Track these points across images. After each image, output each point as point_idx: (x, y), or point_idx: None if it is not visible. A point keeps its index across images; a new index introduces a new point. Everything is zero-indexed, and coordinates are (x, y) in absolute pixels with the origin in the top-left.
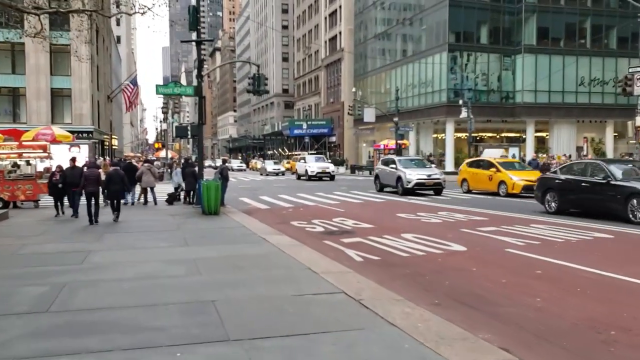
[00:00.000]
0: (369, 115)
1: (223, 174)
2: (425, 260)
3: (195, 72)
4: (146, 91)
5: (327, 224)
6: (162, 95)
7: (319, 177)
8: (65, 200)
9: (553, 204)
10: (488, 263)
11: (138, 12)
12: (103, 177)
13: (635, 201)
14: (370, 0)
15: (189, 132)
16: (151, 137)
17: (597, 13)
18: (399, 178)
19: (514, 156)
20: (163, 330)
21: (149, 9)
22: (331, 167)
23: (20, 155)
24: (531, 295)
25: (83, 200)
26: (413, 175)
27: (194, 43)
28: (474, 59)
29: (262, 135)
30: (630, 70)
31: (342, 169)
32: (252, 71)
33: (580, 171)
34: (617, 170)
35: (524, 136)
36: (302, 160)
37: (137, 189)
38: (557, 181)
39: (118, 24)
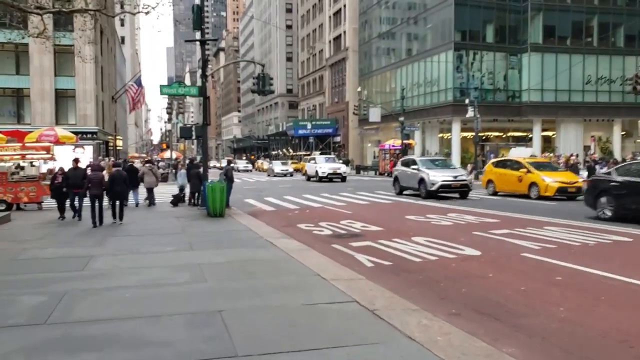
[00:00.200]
0: (375, 115)
1: (228, 175)
2: (439, 266)
3: (199, 72)
4: (150, 92)
5: (335, 227)
6: (166, 96)
7: (329, 178)
8: (68, 202)
9: (607, 210)
10: (504, 268)
11: (142, 12)
12: (106, 178)
13: None
14: None
15: (193, 133)
16: (156, 138)
17: (604, 11)
18: (421, 180)
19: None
20: (168, 345)
21: (152, 8)
22: (343, 168)
23: (23, 156)
24: (553, 304)
25: (86, 202)
26: (438, 176)
27: (198, 42)
28: (479, 57)
29: (266, 135)
30: None
31: (347, 170)
32: (256, 71)
33: None
34: None
35: (530, 135)
36: (312, 161)
37: (143, 190)
38: (613, 184)
39: (122, 24)
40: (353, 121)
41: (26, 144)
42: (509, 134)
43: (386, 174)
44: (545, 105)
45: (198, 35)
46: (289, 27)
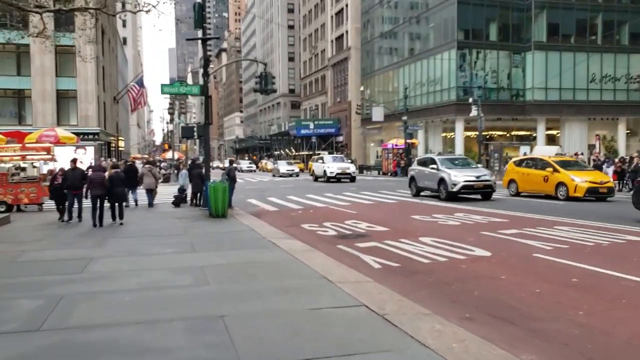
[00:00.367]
0: (377, 114)
1: (230, 175)
2: (449, 267)
3: (201, 71)
4: (153, 92)
5: (340, 227)
6: (168, 96)
7: (338, 178)
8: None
9: None
10: (516, 270)
11: (142, 10)
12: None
13: None
14: None
15: (195, 133)
16: (158, 139)
17: (608, 9)
18: (441, 180)
19: (525, 155)
20: (167, 353)
21: (153, 6)
22: (352, 168)
23: (23, 157)
24: (571, 307)
25: (86, 203)
26: (459, 176)
27: (199, 41)
28: (483, 56)
29: (268, 135)
30: None
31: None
32: (258, 71)
33: None
34: None
35: (534, 134)
36: (320, 161)
37: (143, 190)
38: None
39: (124, 25)
40: (355, 121)
41: (26, 145)
42: (513, 133)
43: (389, 174)
44: (550, 104)
45: (200, 34)
46: (290, 27)
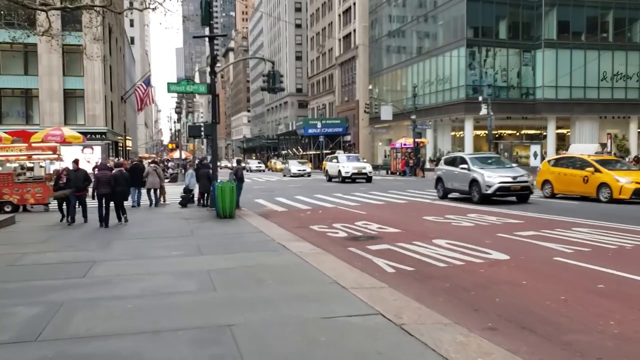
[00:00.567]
0: (386, 113)
1: (238, 175)
2: (466, 272)
3: (208, 70)
4: (160, 92)
5: (350, 228)
6: (175, 95)
7: (353, 178)
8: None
9: None
10: (538, 275)
11: (149, 8)
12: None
13: None
14: None
15: (202, 132)
16: (166, 138)
17: (619, 6)
18: (473, 181)
19: (535, 154)
20: None
21: (160, 4)
22: (368, 168)
23: (29, 157)
24: (602, 316)
25: (90, 204)
26: (494, 177)
27: (207, 40)
28: (492, 54)
29: (276, 135)
30: None
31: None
32: (266, 70)
33: None
34: None
35: (544, 133)
36: (334, 160)
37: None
38: None
39: (132, 24)
40: (364, 120)
41: (32, 144)
42: (523, 131)
43: (398, 173)
44: (560, 102)
45: (207, 31)
46: (298, 26)
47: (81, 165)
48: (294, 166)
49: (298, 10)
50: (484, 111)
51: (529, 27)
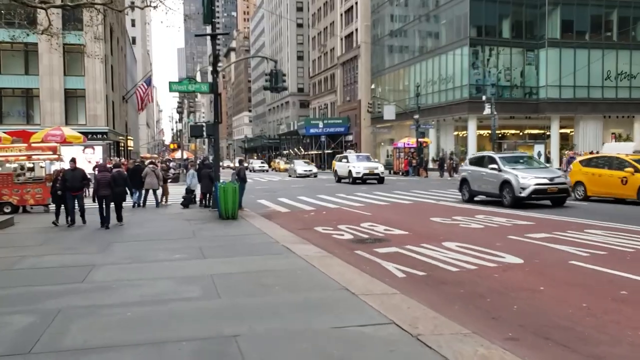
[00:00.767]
0: (389, 112)
1: (240, 175)
2: (479, 276)
3: (210, 69)
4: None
5: (356, 230)
6: (177, 95)
7: (364, 179)
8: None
9: None
10: (555, 280)
11: (150, 6)
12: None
13: None
14: None
15: (204, 131)
16: (168, 138)
17: (624, 4)
18: (505, 183)
19: (539, 154)
20: None
21: (161, 1)
22: (380, 168)
23: (29, 157)
24: (629, 326)
25: (87, 205)
26: (529, 178)
27: (208, 40)
28: (496, 53)
29: (277, 134)
30: None
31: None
32: (267, 69)
33: None
34: None
35: (548, 133)
36: (344, 160)
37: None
38: None
39: (133, 24)
40: (365, 120)
41: (32, 144)
42: (526, 131)
43: (401, 173)
44: (564, 102)
45: (209, 30)
46: (299, 25)
47: (82, 166)
48: (300, 166)
49: (300, 9)
50: (487, 111)
51: (533, 26)
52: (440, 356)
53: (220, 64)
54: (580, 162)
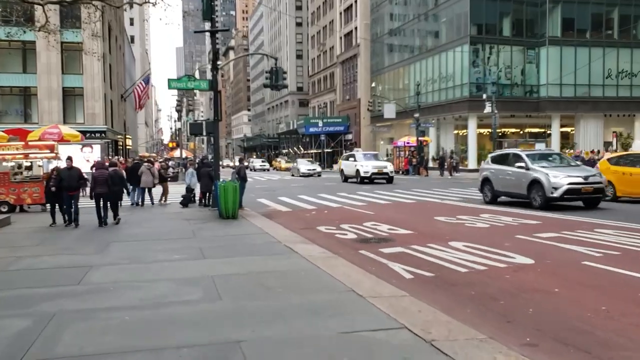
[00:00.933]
0: (389, 111)
1: (240, 174)
2: (490, 278)
3: (209, 67)
4: (161, 91)
5: (359, 230)
6: (175, 92)
7: (373, 179)
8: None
9: None
10: (569, 281)
11: (149, 2)
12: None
13: None
14: None
15: (204, 129)
16: (166, 137)
17: (625, 3)
18: (534, 183)
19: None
20: None
21: None
22: (389, 167)
23: (26, 156)
24: None
25: (85, 204)
26: (561, 177)
27: (208, 37)
28: (496, 51)
29: (276, 133)
30: None
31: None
32: (268, 68)
33: None
34: None
35: (548, 131)
36: (351, 159)
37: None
38: None
39: (132, 23)
40: (365, 118)
41: (29, 143)
42: (527, 130)
43: (401, 172)
44: (564, 100)
45: (208, 26)
46: (298, 24)
47: (80, 164)
48: (304, 165)
49: (299, 8)
50: (488, 109)
51: (533, 24)
52: None
53: (218, 62)
54: (609, 160)
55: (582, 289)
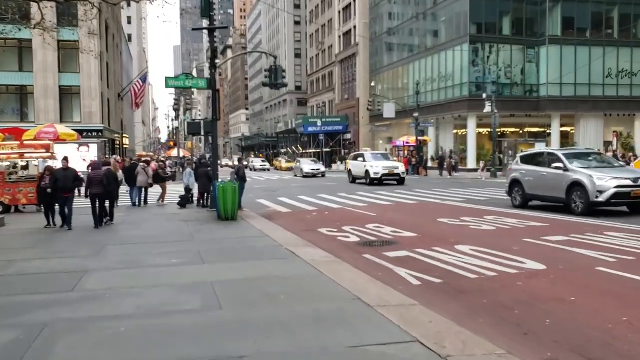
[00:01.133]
0: (389, 110)
1: (240, 174)
2: (501, 285)
3: (207, 66)
4: (158, 90)
5: (362, 232)
6: (173, 91)
7: (383, 180)
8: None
9: None
10: (585, 289)
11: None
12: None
13: None
14: None
15: (202, 129)
16: (164, 137)
17: (625, 2)
18: (575, 185)
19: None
20: None
21: None
22: (400, 168)
23: (21, 155)
24: None
25: (81, 205)
26: (606, 179)
27: (205, 36)
28: (496, 51)
29: (275, 133)
30: None
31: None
32: (267, 66)
33: None
34: None
35: (548, 131)
36: (360, 159)
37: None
38: None
39: (129, 22)
40: (364, 118)
41: (24, 142)
42: (526, 129)
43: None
44: (564, 100)
45: (206, 24)
46: (297, 23)
47: (77, 164)
48: (307, 165)
49: (297, 7)
50: (487, 109)
51: (533, 23)
52: None
53: (217, 61)
54: None
55: (599, 297)
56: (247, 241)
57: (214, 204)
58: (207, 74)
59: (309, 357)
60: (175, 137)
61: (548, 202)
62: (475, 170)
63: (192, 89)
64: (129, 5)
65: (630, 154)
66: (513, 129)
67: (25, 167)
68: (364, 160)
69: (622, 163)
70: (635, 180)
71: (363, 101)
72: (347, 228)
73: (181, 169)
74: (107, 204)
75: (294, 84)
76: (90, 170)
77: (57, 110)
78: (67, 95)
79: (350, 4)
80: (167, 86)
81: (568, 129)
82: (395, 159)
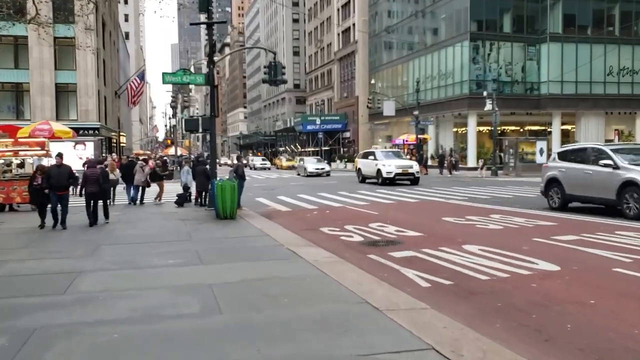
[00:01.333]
0: (389, 108)
1: (238, 173)
2: (515, 287)
3: (204, 62)
4: (156, 88)
5: (365, 231)
6: (170, 90)
7: (396, 180)
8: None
9: None
10: (604, 291)
11: None
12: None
13: None
14: None
15: (200, 125)
16: (161, 135)
17: None
18: (628, 185)
19: (541, 151)
20: None
21: None
22: (415, 167)
23: (16, 153)
24: None
25: (76, 203)
26: None
27: (203, 32)
28: (496, 48)
29: (273, 131)
30: None
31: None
32: (266, 63)
33: None
34: None
35: (549, 129)
36: (371, 157)
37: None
38: None
39: (126, 19)
40: (363, 116)
41: (19, 140)
42: (527, 127)
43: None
44: (565, 98)
45: (204, 19)
46: (295, 20)
47: (73, 162)
48: (311, 164)
49: (295, 4)
50: (488, 107)
51: (534, 20)
52: None
53: (214, 58)
54: None
55: (620, 299)
56: (246, 241)
57: (212, 203)
58: (205, 71)
59: None
60: (172, 135)
61: (594, 204)
62: (475, 168)
63: (190, 87)
64: (126, 2)
65: None
66: (513, 127)
67: (21, 165)
68: (375, 159)
69: None
70: None
71: (362, 99)
72: (349, 227)
73: (179, 168)
74: (100, 203)
75: (292, 82)
76: (86, 168)
77: (53, 107)
78: (64, 93)
79: (349, 1)
80: (164, 82)
81: (569, 127)
82: (408, 157)
